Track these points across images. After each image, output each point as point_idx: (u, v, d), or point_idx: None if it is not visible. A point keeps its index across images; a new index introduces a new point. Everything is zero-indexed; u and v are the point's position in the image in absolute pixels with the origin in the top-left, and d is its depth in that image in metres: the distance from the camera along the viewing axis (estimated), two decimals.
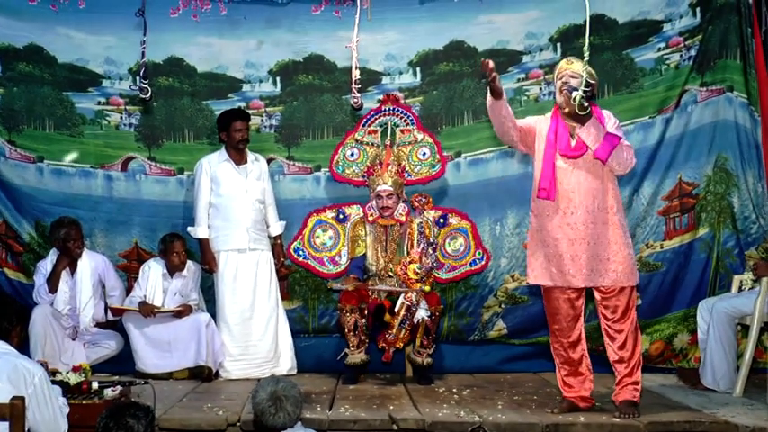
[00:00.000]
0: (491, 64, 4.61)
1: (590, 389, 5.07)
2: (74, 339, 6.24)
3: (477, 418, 4.80)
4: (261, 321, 6.24)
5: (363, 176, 6.31)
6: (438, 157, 6.36)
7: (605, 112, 4.96)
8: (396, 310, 5.73)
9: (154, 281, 6.32)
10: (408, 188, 6.31)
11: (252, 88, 6.68)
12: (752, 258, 6.26)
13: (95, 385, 4.70)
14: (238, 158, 6.33)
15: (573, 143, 4.85)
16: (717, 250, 6.42)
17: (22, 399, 3.33)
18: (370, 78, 6.59)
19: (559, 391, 5.15)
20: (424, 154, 6.36)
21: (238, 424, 4.79)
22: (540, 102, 6.59)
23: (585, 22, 4.90)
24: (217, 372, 6.14)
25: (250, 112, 6.53)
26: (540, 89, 6.62)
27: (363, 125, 6.42)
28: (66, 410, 3.85)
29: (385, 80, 6.66)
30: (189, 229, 6.33)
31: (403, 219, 6.13)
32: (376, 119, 6.41)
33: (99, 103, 6.66)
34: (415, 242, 6.01)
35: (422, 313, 5.71)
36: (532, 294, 6.46)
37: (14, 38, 6.57)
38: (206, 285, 6.49)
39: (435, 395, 5.53)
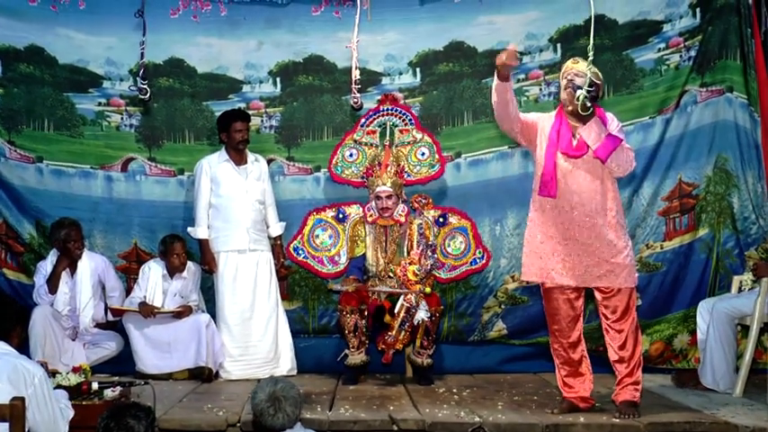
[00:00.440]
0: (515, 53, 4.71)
1: (590, 389, 5.07)
2: (74, 340, 6.24)
3: (477, 419, 4.80)
4: (261, 322, 6.24)
5: (362, 177, 6.31)
6: (437, 156, 6.35)
7: (609, 115, 4.96)
8: (395, 311, 5.73)
9: (154, 282, 6.32)
10: (408, 188, 6.31)
11: (252, 89, 6.68)
12: (752, 259, 6.27)
13: (95, 386, 4.71)
14: (238, 159, 6.33)
15: (575, 143, 4.86)
16: (717, 251, 6.42)
17: (22, 399, 3.33)
18: (370, 79, 6.59)
19: (559, 391, 5.15)
20: (423, 154, 6.36)
21: (238, 425, 4.78)
22: (539, 102, 6.59)
23: (590, 21, 4.96)
24: (217, 372, 6.13)
25: (250, 112, 6.53)
26: (540, 89, 6.62)
27: (362, 125, 6.42)
28: (71, 414, 3.85)
29: (385, 81, 6.67)
30: (189, 229, 6.33)
31: (402, 219, 6.13)
32: (374, 119, 6.42)
33: (99, 104, 6.66)
34: (415, 243, 6.02)
35: (422, 314, 5.71)
36: (532, 295, 6.45)
37: (15, 39, 6.58)
38: (206, 286, 6.49)
39: (435, 396, 5.53)
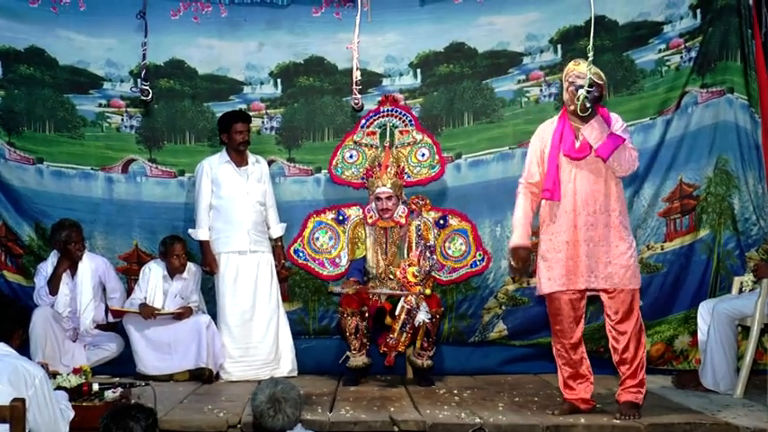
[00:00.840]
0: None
1: (590, 391, 5.07)
2: (74, 341, 6.25)
3: (477, 420, 4.80)
4: (261, 323, 6.24)
5: (362, 178, 6.32)
6: (437, 157, 6.36)
7: (613, 115, 4.96)
8: (396, 313, 5.73)
9: (154, 283, 6.32)
10: (408, 189, 6.31)
11: (252, 90, 6.69)
12: (752, 260, 6.26)
13: (96, 387, 4.71)
14: (239, 160, 6.33)
15: (577, 144, 4.86)
16: (717, 252, 6.42)
17: (23, 401, 3.34)
18: (371, 80, 6.59)
19: (560, 393, 5.15)
20: (423, 155, 6.37)
21: (239, 426, 4.78)
22: (540, 103, 6.60)
23: (590, 22, 4.96)
24: (217, 373, 6.14)
25: (251, 113, 6.52)
26: (541, 90, 6.62)
27: (362, 126, 6.43)
28: (71, 415, 3.86)
29: (385, 82, 6.67)
30: (190, 231, 6.33)
31: (403, 221, 6.13)
32: (374, 120, 6.42)
33: (100, 105, 6.66)
34: (414, 244, 6.02)
35: (422, 316, 5.71)
36: (533, 296, 6.44)
37: (15, 40, 6.59)
38: (207, 287, 6.49)
39: (436, 397, 5.53)
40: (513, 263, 5.10)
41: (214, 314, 6.30)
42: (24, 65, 6.61)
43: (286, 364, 6.28)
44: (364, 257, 6.22)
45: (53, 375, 4.69)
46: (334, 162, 6.42)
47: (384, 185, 6.09)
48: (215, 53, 6.67)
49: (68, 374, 4.74)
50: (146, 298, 6.28)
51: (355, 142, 6.43)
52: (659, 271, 6.43)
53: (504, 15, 6.62)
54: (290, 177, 6.68)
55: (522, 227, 5.04)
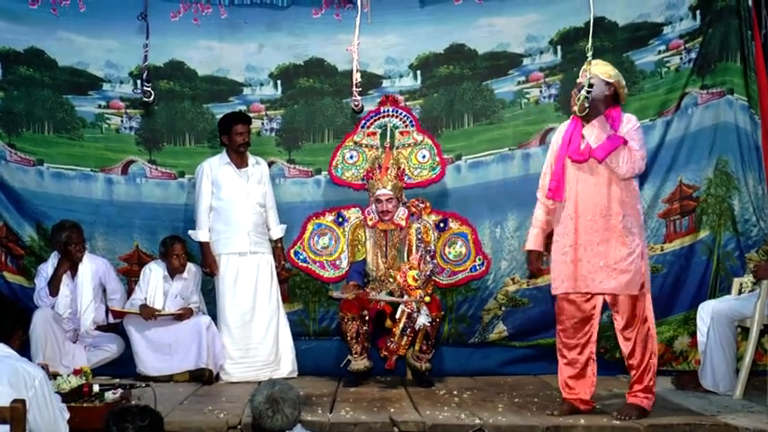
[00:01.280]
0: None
1: (591, 392, 5.07)
2: (75, 342, 6.25)
3: (477, 421, 4.81)
4: (261, 324, 6.25)
5: (363, 179, 6.32)
6: (438, 159, 6.36)
7: (626, 115, 4.91)
8: (397, 317, 5.74)
9: (154, 283, 6.33)
10: (408, 191, 6.32)
11: (253, 91, 6.69)
12: (752, 261, 6.27)
13: (96, 388, 4.71)
14: (239, 162, 6.34)
15: (582, 146, 4.87)
16: (717, 253, 6.42)
17: (23, 402, 3.34)
18: (371, 81, 6.59)
19: (560, 393, 5.15)
20: (424, 156, 6.37)
21: (239, 427, 4.79)
22: (540, 104, 6.61)
23: (589, 24, 4.93)
24: (217, 374, 6.14)
25: (251, 115, 6.53)
26: (541, 91, 6.62)
27: (362, 127, 6.43)
28: (67, 416, 3.86)
29: (385, 83, 6.67)
30: (190, 232, 6.34)
31: (403, 223, 6.12)
32: (375, 120, 6.43)
33: (99, 107, 6.67)
34: (414, 248, 6.02)
35: (422, 319, 5.71)
36: (532, 297, 6.48)
37: (15, 41, 6.59)
38: (207, 288, 6.50)
39: (436, 398, 5.53)
40: (528, 265, 5.22)
41: (214, 315, 6.31)
42: (24, 66, 6.62)
43: (286, 366, 6.29)
44: (364, 260, 6.21)
45: (53, 376, 4.69)
46: (334, 163, 6.43)
47: (384, 187, 6.09)
48: (215, 54, 6.67)
49: (69, 375, 4.75)
50: (146, 298, 6.29)
51: (355, 143, 6.43)
52: (659, 272, 6.42)
53: (504, 17, 6.63)
54: (290, 179, 6.68)
55: (534, 231, 5.16)
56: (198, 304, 6.40)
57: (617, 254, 4.83)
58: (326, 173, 6.54)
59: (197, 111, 6.69)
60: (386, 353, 5.81)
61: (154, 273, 6.35)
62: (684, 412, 5.06)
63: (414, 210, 6.14)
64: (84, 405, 4.51)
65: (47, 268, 6.28)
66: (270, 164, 6.57)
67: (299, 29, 6.68)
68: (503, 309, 6.54)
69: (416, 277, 5.74)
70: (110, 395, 4.66)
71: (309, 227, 6.39)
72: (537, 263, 5.25)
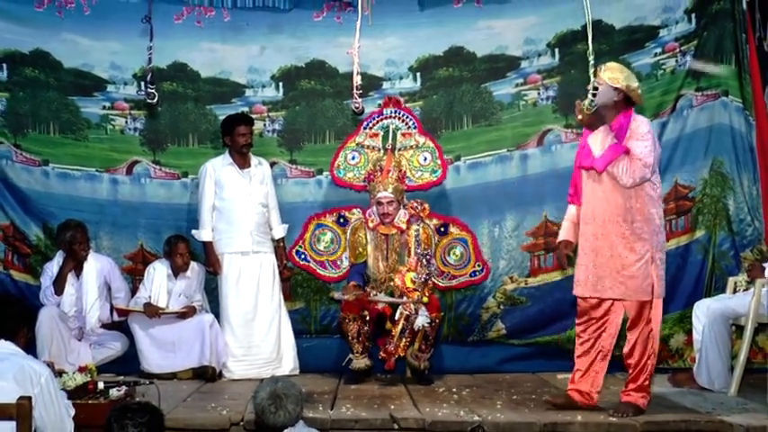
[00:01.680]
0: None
1: (592, 388, 5.02)
2: (80, 340, 6.25)
3: (476, 418, 4.81)
4: (264, 322, 6.25)
5: (364, 181, 6.32)
6: (439, 162, 6.37)
7: (637, 121, 4.82)
8: (395, 319, 5.73)
9: (158, 282, 6.34)
10: (409, 193, 6.32)
11: (255, 93, 6.70)
12: (747, 260, 6.28)
13: (101, 385, 4.71)
14: (242, 162, 6.34)
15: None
16: (712, 252, 6.44)
17: (29, 399, 3.34)
18: (371, 83, 6.60)
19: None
20: (425, 159, 6.37)
21: (242, 423, 4.80)
22: (538, 106, 6.61)
23: (586, 26, 4.94)
24: (220, 372, 6.15)
25: (253, 116, 6.53)
26: (539, 93, 6.63)
27: (365, 128, 6.44)
28: (72, 413, 3.86)
29: (386, 85, 6.67)
30: (193, 231, 6.34)
31: (404, 226, 6.09)
32: (377, 122, 6.43)
33: (104, 108, 6.67)
34: (412, 250, 6.00)
35: (421, 320, 5.71)
36: (530, 296, 6.48)
37: (21, 43, 6.60)
38: (210, 287, 6.50)
39: (435, 395, 5.53)
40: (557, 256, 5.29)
41: (217, 314, 6.31)
42: (30, 68, 6.63)
43: (288, 363, 6.29)
44: (365, 262, 6.20)
45: (59, 374, 4.70)
46: (336, 163, 6.43)
47: (385, 190, 6.06)
48: (218, 57, 6.68)
49: (74, 373, 4.75)
50: (150, 297, 6.29)
51: (357, 144, 6.44)
52: None
53: (503, 20, 6.63)
54: (292, 179, 6.68)
55: (566, 224, 5.19)
56: (201, 302, 6.40)
57: (625, 260, 4.80)
58: (328, 173, 6.55)
59: (200, 112, 6.70)
60: (384, 354, 5.82)
61: (158, 271, 6.36)
62: (680, 409, 5.06)
63: (413, 212, 6.12)
64: (89, 402, 4.51)
65: (52, 267, 6.28)
66: (272, 164, 6.57)
67: (300, 31, 6.69)
68: (501, 307, 6.54)
69: (414, 279, 5.73)
70: (114, 392, 4.65)
71: (311, 227, 6.41)
72: (566, 250, 5.17)
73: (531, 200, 6.53)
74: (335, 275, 6.36)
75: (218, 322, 6.22)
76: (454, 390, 5.67)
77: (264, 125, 6.68)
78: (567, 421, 4.77)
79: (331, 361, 6.29)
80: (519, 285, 6.52)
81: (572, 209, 5.15)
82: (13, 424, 3.30)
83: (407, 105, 6.60)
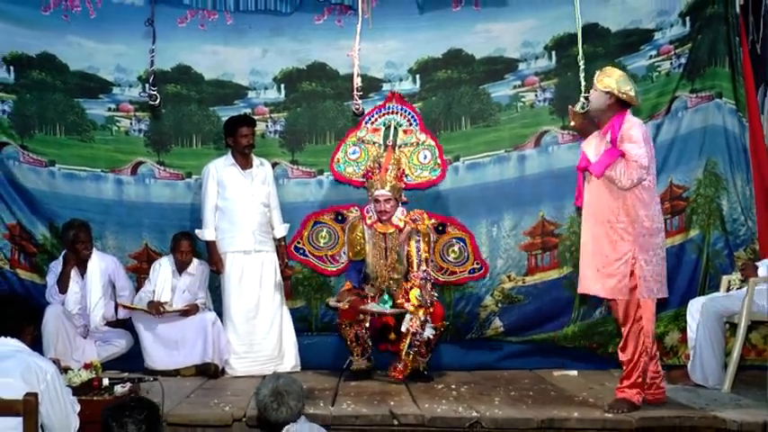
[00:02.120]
0: None
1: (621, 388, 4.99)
2: (85, 338, 6.26)
3: (474, 414, 4.82)
4: (265, 320, 6.26)
5: (363, 177, 6.30)
6: (439, 161, 6.36)
7: (632, 121, 4.85)
8: (401, 335, 5.67)
9: (163, 277, 6.35)
10: (408, 192, 6.31)
11: (257, 95, 6.69)
12: (740, 259, 6.29)
13: (106, 382, 4.72)
14: (244, 163, 6.34)
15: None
16: (707, 251, 6.43)
17: (36, 395, 3.35)
18: (372, 85, 6.59)
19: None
20: (425, 157, 6.37)
21: (244, 419, 4.81)
22: (535, 107, 6.60)
23: (583, 30, 4.95)
24: (223, 369, 6.15)
25: (255, 117, 6.53)
26: (536, 95, 6.62)
27: (366, 123, 6.42)
28: (77, 408, 3.87)
29: (385, 87, 6.65)
30: (196, 231, 6.35)
31: (402, 225, 6.05)
32: (379, 117, 6.41)
33: (109, 110, 6.67)
34: (415, 264, 5.90)
35: (428, 332, 5.68)
36: (528, 294, 6.49)
37: (28, 46, 6.60)
38: (213, 285, 6.50)
39: (434, 392, 5.54)
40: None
41: (220, 312, 6.31)
42: (36, 70, 6.62)
43: (289, 360, 6.29)
44: (364, 260, 6.18)
45: (65, 371, 4.70)
46: (336, 158, 6.42)
47: (383, 188, 6.03)
48: (220, 59, 6.67)
49: (79, 370, 4.76)
50: (154, 291, 6.30)
51: (359, 139, 6.42)
52: None
53: (501, 23, 6.62)
54: (294, 179, 6.68)
55: None
56: (204, 300, 6.40)
57: (605, 259, 4.86)
58: (329, 173, 6.54)
59: (203, 114, 6.69)
60: (395, 373, 5.74)
61: (163, 267, 6.38)
62: (674, 405, 5.06)
63: (413, 225, 6.00)
64: (95, 398, 4.53)
65: (58, 266, 6.28)
66: (274, 165, 6.57)
67: (302, 34, 6.68)
68: (499, 305, 6.54)
69: (419, 298, 5.65)
70: (119, 389, 4.67)
71: (309, 225, 6.41)
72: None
73: (529, 200, 6.53)
74: (335, 269, 6.37)
75: (221, 320, 6.22)
76: (453, 386, 5.68)
77: (266, 126, 6.68)
78: (563, 417, 4.80)
79: (331, 358, 6.29)
80: (516, 284, 6.52)
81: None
82: (20, 420, 3.32)
83: None
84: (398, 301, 5.82)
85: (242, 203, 6.28)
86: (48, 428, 3.62)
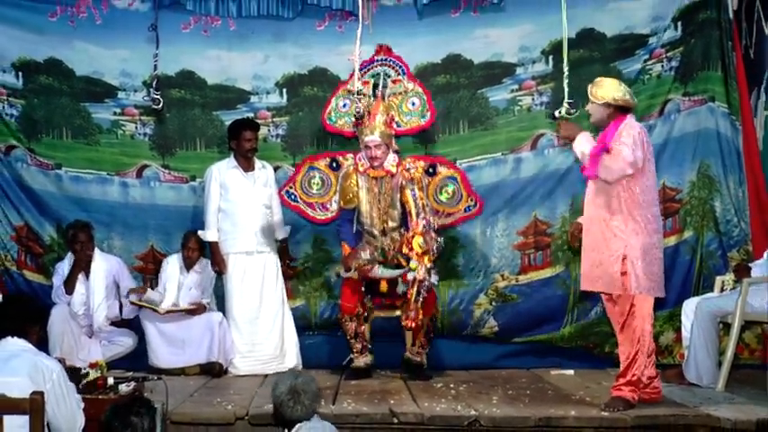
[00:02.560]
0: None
1: (617, 387, 4.99)
2: (90, 337, 6.26)
3: (473, 412, 4.81)
4: (267, 320, 6.26)
5: (354, 127, 6.18)
6: (428, 106, 6.27)
7: (630, 123, 4.85)
8: (410, 280, 5.52)
9: (171, 274, 6.38)
10: (399, 139, 6.23)
11: (259, 99, 6.69)
12: (734, 260, 6.29)
13: (111, 381, 4.73)
14: (246, 165, 6.35)
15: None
16: (700, 252, 6.43)
17: (42, 394, 3.36)
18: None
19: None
20: (414, 104, 6.31)
21: (246, 418, 4.80)
22: (532, 111, 6.59)
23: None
24: (226, 368, 6.15)
25: (257, 121, 6.53)
26: (533, 99, 6.61)
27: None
28: (82, 405, 3.88)
29: None
30: (199, 232, 6.34)
31: (393, 170, 5.94)
32: (368, 70, 6.35)
33: (115, 114, 6.68)
34: (413, 213, 5.76)
35: (434, 279, 5.56)
36: (521, 293, 6.49)
37: (35, 52, 6.62)
38: (216, 286, 6.50)
39: (433, 390, 5.53)
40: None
41: (223, 312, 6.30)
42: (43, 75, 6.64)
43: (291, 359, 6.29)
44: (356, 208, 6.03)
45: (71, 370, 4.70)
46: (327, 111, 6.36)
47: (372, 134, 5.91)
48: (224, 64, 6.68)
49: (85, 369, 4.75)
50: (163, 288, 6.34)
51: (348, 92, 6.35)
52: None
53: (499, 28, 6.62)
54: None
55: None
56: (209, 300, 6.41)
57: (601, 255, 4.88)
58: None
59: (207, 118, 6.70)
60: (407, 321, 5.59)
61: (171, 265, 6.41)
62: (669, 404, 5.05)
63: (407, 174, 5.91)
64: (99, 397, 4.53)
65: (63, 267, 6.30)
66: (276, 168, 6.57)
67: (303, 40, 6.69)
68: (493, 304, 6.53)
69: (422, 245, 5.49)
70: (123, 387, 4.67)
71: (303, 169, 6.29)
72: (572, 228, 5.40)
73: (522, 201, 6.53)
74: (324, 218, 6.26)
75: None
76: (452, 385, 5.67)
77: (269, 130, 6.67)
78: (560, 415, 4.78)
79: (332, 357, 6.29)
80: (510, 283, 6.51)
81: None
82: (26, 418, 3.32)
83: None
84: (390, 256, 5.79)
85: (244, 205, 6.28)
86: (54, 426, 3.63)
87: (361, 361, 5.96)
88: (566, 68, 4.86)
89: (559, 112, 4.95)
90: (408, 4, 6.67)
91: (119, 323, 6.42)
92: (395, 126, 6.15)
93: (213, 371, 6.05)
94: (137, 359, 6.24)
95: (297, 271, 6.60)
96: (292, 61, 6.70)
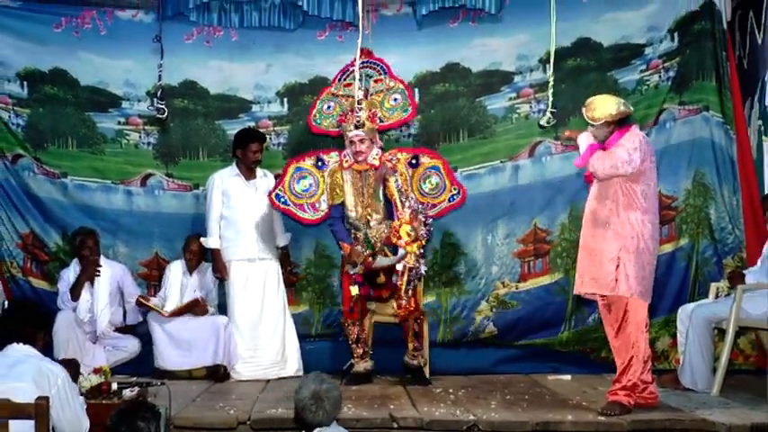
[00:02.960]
0: None
1: (613, 391, 5.01)
2: (95, 343, 6.27)
3: (471, 417, 4.82)
4: (269, 326, 6.27)
5: (338, 126, 6.13)
6: (409, 101, 6.19)
7: (633, 132, 4.90)
8: (399, 276, 5.52)
9: (173, 279, 6.41)
10: (383, 134, 6.22)
11: (261, 109, 6.73)
12: (728, 267, 6.30)
13: (115, 386, 4.74)
14: (248, 174, 6.36)
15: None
16: (696, 259, 6.44)
17: (47, 399, 3.38)
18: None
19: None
20: (396, 99, 6.20)
21: (248, 422, 4.82)
22: (530, 119, 6.60)
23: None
24: (228, 373, 6.17)
25: (259, 130, 6.55)
26: (531, 107, 6.63)
27: (339, 80, 6.33)
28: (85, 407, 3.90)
29: None
30: (201, 239, 6.36)
31: (377, 163, 5.92)
32: (351, 73, 6.30)
33: (119, 123, 6.71)
34: (398, 202, 5.75)
35: (423, 269, 5.57)
36: (521, 300, 6.50)
37: (40, 62, 6.66)
38: (219, 293, 6.51)
39: (433, 395, 5.54)
40: None
41: None
42: (48, 85, 6.68)
43: (292, 365, 6.30)
44: (343, 203, 6.01)
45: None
46: (313, 113, 6.28)
47: (356, 129, 5.90)
48: (226, 74, 6.72)
49: (89, 374, 4.77)
50: (166, 292, 6.37)
51: (332, 94, 6.31)
52: None
53: (497, 37, 6.64)
54: None
55: None
56: (215, 304, 6.43)
57: (595, 258, 4.91)
58: None
59: (209, 127, 6.73)
60: (399, 310, 5.64)
61: (173, 270, 6.44)
62: (665, 409, 5.06)
63: (390, 164, 5.92)
64: (104, 402, 4.54)
65: (69, 273, 6.33)
66: (276, 176, 6.58)
67: (304, 50, 6.71)
68: (493, 310, 6.54)
69: (410, 233, 5.49)
70: (127, 393, 4.68)
71: (290, 170, 6.15)
72: None
73: (522, 208, 6.55)
74: (315, 218, 6.13)
75: None
76: (450, 390, 5.68)
77: (270, 139, 6.68)
78: (558, 420, 4.79)
79: (333, 362, 6.28)
80: (510, 290, 6.53)
81: None
82: (32, 423, 3.34)
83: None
84: (377, 249, 5.74)
85: (246, 213, 6.30)
86: (59, 431, 3.64)
87: (362, 366, 5.98)
88: (551, 79, 4.91)
89: (547, 122, 4.97)
90: (408, 14, 6.70)
91: (123, 329, 6.44)
92: (378, 121, 6.06)
93: (218, 373, 6.07)
94: (141, 364, 6.27)
95: (299, 278, 6.62)
96: (293, 71, 6.73)
